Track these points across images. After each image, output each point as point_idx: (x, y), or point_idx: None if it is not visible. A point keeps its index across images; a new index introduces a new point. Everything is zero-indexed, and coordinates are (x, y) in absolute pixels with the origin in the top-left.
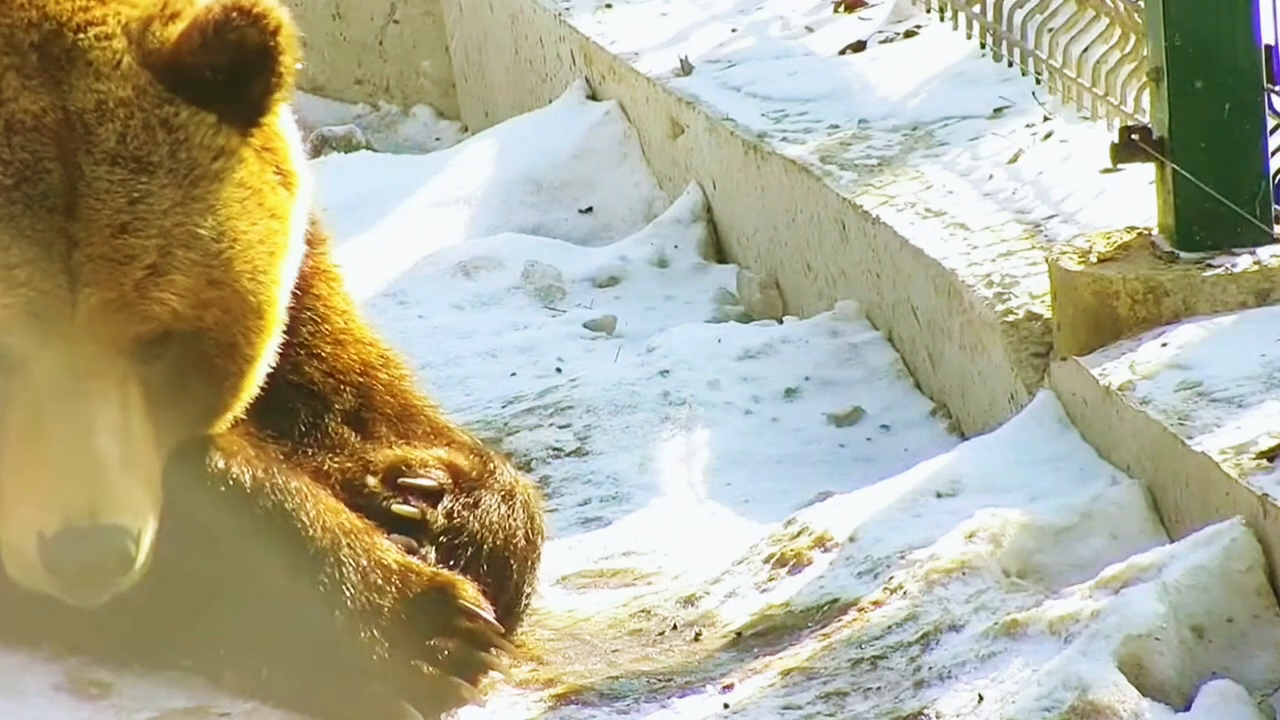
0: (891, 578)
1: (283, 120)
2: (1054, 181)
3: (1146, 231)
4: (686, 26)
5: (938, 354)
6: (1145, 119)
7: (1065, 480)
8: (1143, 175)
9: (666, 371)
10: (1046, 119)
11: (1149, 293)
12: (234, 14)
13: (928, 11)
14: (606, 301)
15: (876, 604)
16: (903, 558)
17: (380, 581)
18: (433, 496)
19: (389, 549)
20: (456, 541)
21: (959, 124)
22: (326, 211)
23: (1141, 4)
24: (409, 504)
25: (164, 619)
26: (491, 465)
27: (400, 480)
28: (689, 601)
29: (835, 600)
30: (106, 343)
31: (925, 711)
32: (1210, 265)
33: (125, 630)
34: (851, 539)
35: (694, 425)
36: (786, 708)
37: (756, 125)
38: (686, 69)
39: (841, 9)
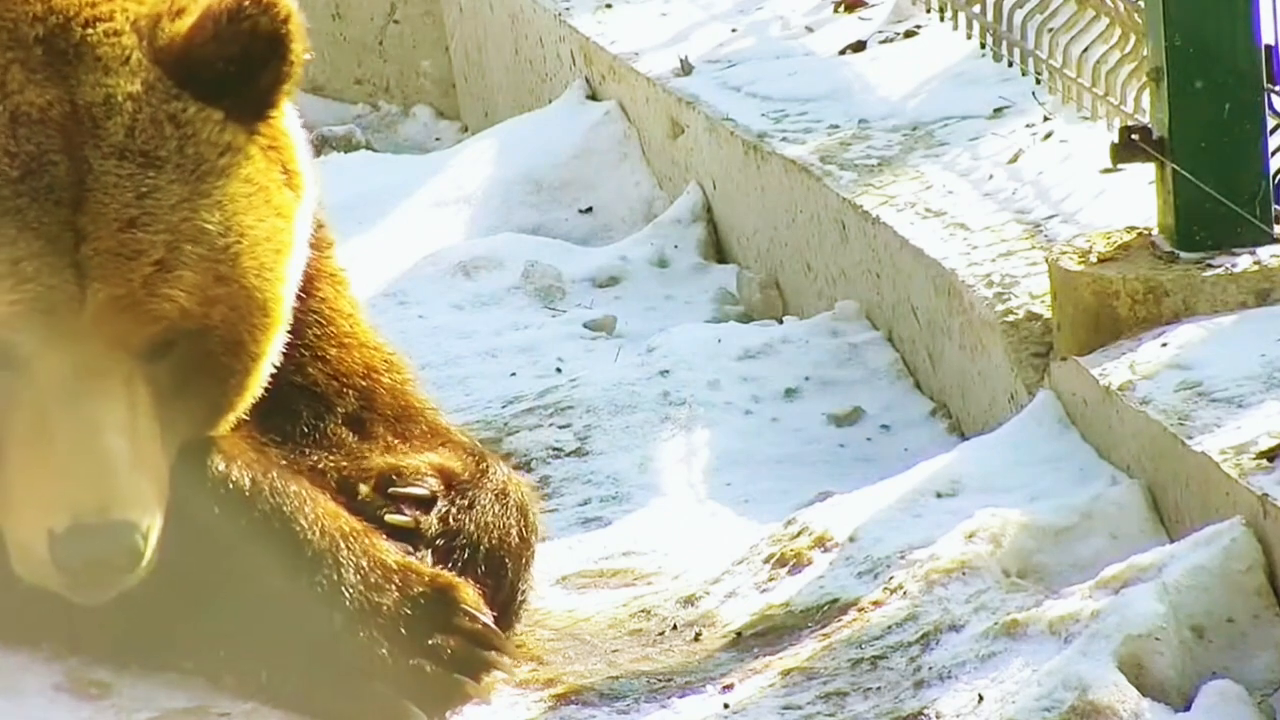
0: (891, 578)
1: (289, 120)
2: (1054, 181)
3: (1146, 231)
4: (686, 26)
5: (938, 354)
6: (1145, 119)
7: (1065, 480)
8: (1143, 175)
9: (666, 371)
10: (1046, 119)
11: (1149, 293)
12: (246, 2)
13: (928, 11)
14: (606, 301)
15: (876, 604)
16: (903, 558)
17: (380, 581)
18: (425, 504)
19: (388, 549)
20: (453, 544)
21: (959, 124)
22: (327, 211)
23: (1141, 4)
24: (402, 513)
25: (164, 620)
26: (485, 465)
27: (390, 490)
28: (689, 601)
29: (835, 600)
30: (114, 340)
31: (925, 711)
32: (1210, 265)
33: (126, 631)
34: (851, 539)
35: (694, 425)
36: (786, 708)
37: (756, 125)
38: (686, 69)
39: (841, 9)
